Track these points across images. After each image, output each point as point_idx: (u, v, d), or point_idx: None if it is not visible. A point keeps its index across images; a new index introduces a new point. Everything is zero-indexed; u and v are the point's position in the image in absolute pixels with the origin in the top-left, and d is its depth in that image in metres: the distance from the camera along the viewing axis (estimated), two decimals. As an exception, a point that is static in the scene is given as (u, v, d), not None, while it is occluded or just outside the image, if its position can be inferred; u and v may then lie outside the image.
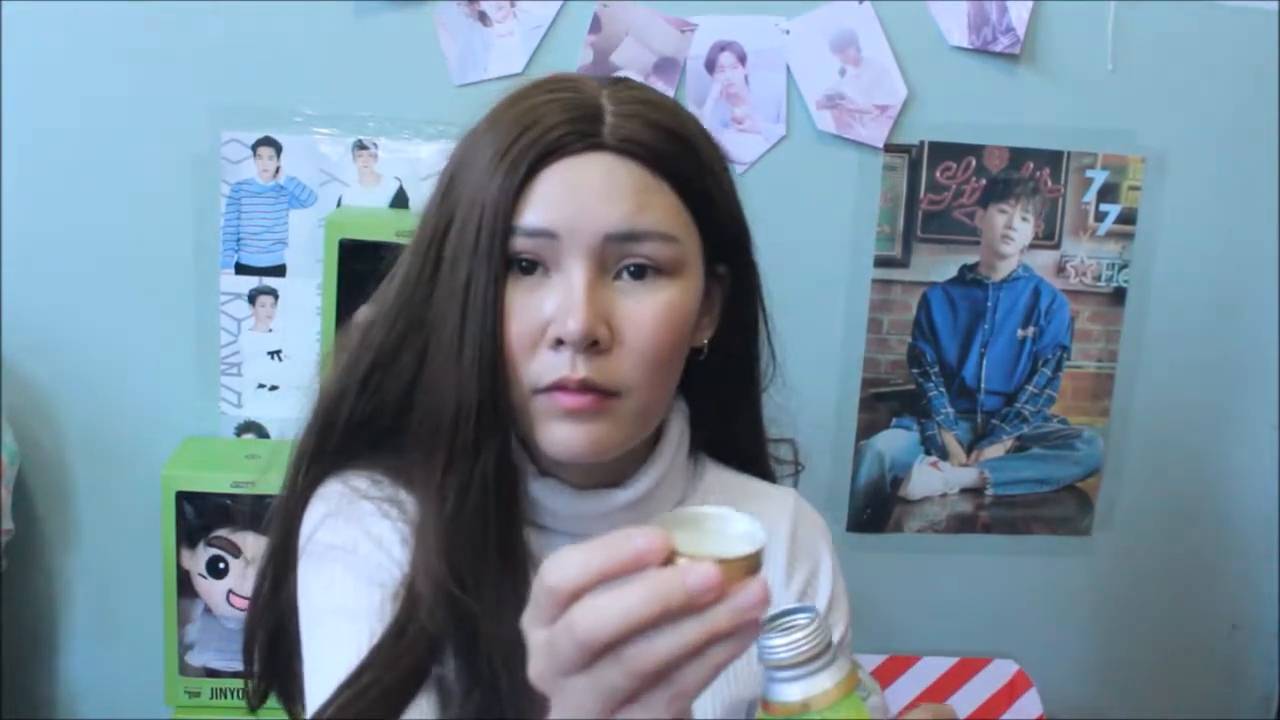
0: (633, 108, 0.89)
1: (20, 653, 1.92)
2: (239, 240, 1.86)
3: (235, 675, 1.81)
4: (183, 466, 1.78)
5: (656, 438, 0.99)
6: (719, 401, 1.04)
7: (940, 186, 1.98)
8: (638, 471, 0.97)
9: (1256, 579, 2.22)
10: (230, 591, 1.77)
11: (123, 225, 1.83)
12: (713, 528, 0.65)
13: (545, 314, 0.87)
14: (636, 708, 0.61)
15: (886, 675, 2.05)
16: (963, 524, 2.11)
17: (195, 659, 1.82)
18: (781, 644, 0.71)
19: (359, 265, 1.74)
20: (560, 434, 0.88)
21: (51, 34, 1.77)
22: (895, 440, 2.07)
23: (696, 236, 0.92)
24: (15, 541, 1.82)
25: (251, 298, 1.87)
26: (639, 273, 0.88)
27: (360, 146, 1.86)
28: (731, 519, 0.66)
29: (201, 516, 1.76)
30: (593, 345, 0.86)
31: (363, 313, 1.00)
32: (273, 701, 1.08)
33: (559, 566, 0.62)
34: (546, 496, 0.95)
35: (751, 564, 0.62)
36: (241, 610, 1.75)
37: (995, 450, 2.09)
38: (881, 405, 2.05)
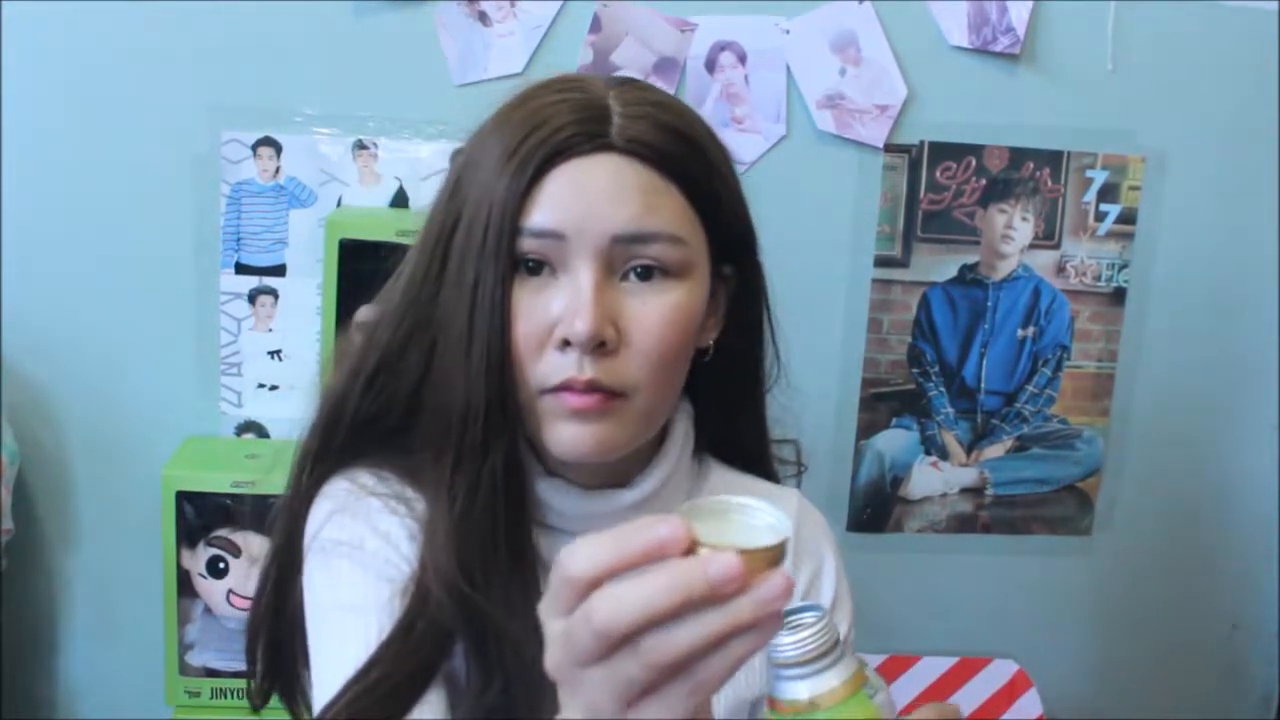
0: (640, 109, 0.89)
1: (20, 653, 1.92)
2: (239, 240, 1.86)
3: (235, 675, 1.81)
4: (183, 466, 1.78)
5: (662, 438, 0.99)
6: (723, 402, 1.04)
7: (940, 186, 1.98)
8: (643, 471, 0.97)
9: (1256, 579, 2.22)
10: (230, 591, 1.77)
11: (123, 225, 1.83)
12: (736, 518, 0.64)
13: (552, 315, 0.87)
14: (654, 700, 0.60)
15: (887, 675, 2.05)
16: (963, 524, 2.11)
17: (195, 659, 1.82)
18: (789, 642, 0.71)
19: (359, 265, 1.74)
20: (567, 434, 0.88)
21: (51, 34, 1.77)
22: (895, 440, 2.07)
23: (703, 237, 0.92)
24: (15, 541, 1.81)
25: (251, 298, 1.87)
26: (646, 274, 0.88)
27: (360, 146, 1.86)
28: (755, 510, 0.64)
29: (201, 516, 1.76)
30: (600, 346, 0.86)
31: (364, 312, 1.00)
32: (275, 701, 1.08)
33: (578, 555, 0.60)
34: (552, 496, 0.95)
35: (774, 555, 0.60)
36: (241, 610, 1.75)
37: (995, 450, 2.09)
38: (881, 405, 2.05)
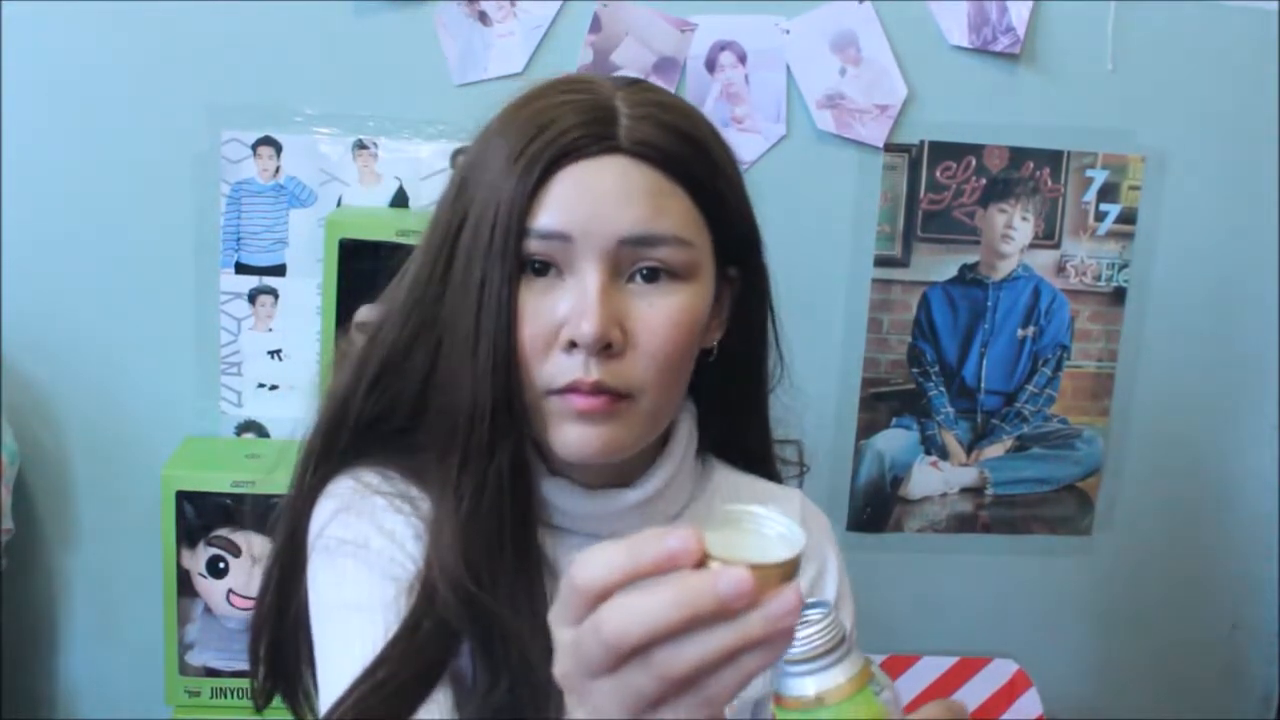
0: (647, 110, 0.89)
1: (20, 653, 1.92)
2: (239, 240, 1.85)
3: (235, 675, 1.81)
4: (183, 466, 1.78)
5: (665, 438, 0.99)
6: (727, 402, 1.05)
7: (940, 186, 1.98)
8: (647, 471, 0.98)
9: (1256, 579, 2.22)
10: (230, 591, 1.77)
11: (123, 225, 1.83)
12: (750, 527, 0.63)
13: (558, 316, 0.87)
14: (665, 711, 0.59)
15: (886, 675, 2.05)
16: (963, 524, 2.11)
17: (195, 659, 1.82)
18: (795, 638, 0.71)
19: (359, 265, 1.74)
20: (573, 435, 0.89)
21: (51, 34, 1.76)
22: (895, 440, 2.07)
23: (709, 239, 0.92)
24: (15, 541, 1.81)
25: (251, 297, 1.87)
26: (652, 276, 0.88)
27: (360, 146, 1.85)
28: (769, 519, 0.63)
29: (201, 516, 1.76)
30: (606, 348, 0.86)
31: (364, 312, 1.00)
32: (276, 701, 1.08)
33: (588, 565, 0.60)
34: (557, 495, 0.95)
35: (787, 570, 0.59)
36: (242, 610, 1.75)
37: (995, 450, 2.09)
38: (881, 405, 2.05)
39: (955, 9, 1.93)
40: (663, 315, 0.88)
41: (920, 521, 2.10)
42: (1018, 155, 1.99)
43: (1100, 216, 2.03)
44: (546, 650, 0.64)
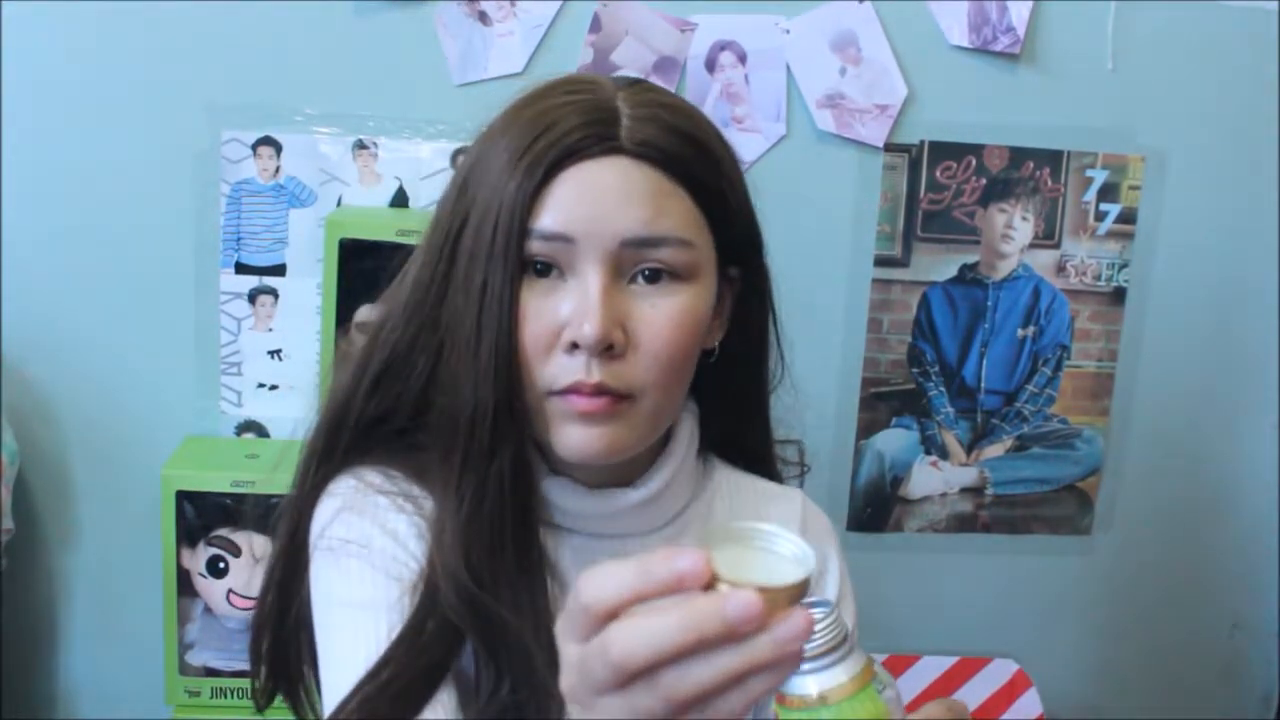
0: (649, 110, 0.89)
1: (20, 652, 1.92)
2: (239, 240, 1.85)
3: (235, 675, 1.81)
4: (183, 466, 1.78)
5: (667, 438, 0.99)
6: (728, 402, 1.05)
7: (940, 186, 1.98)
8: (648, 471, 0.98)
9: (1256, 579, 2.22)
10: (230, 591, 1.77)
11: (123, 225, 1.82)
12: (760, 545, 0.63)
13: (560, 317, 0.87)
14: None
15: (886, 675, 2.05)
16: (963, 523, 2.11)
17: (195, 658, 1.82)
18: None
19: (359, 265, 1.74)
20: (574, 436, 0.89)
21: (51, 34, 1.76)
22: (895, 440, 2.07)
23: (710, 240, 0.92)
24: (15, 541, 1.81)
25: (251, 297, 1.87)
26: (654, 277, 0.89)
27: (360, 146, 1.85)
28: (781, 538, 0.63)
29: (201, 516, 1.76)
30: (608, 349, 0.86)
31: (364, 312, 1.00)
32: (277, 701, 1.08)
33: (596, 583, 0.59)
34: (558, 495, 0.95)
35: (796, 593, 0.59)
36: (242, 610, 1.75)
37: (995, 450, 2.09)
38: (881, 405, 2.05)
39: (955, 9, 1.92)
40: (664, 316, 0.88)
41: (920, 521, 2.10)
42: (1018, 155, 1.99)
43: (1100, 216, 2.03)
44: (549, 651, 0.64)
